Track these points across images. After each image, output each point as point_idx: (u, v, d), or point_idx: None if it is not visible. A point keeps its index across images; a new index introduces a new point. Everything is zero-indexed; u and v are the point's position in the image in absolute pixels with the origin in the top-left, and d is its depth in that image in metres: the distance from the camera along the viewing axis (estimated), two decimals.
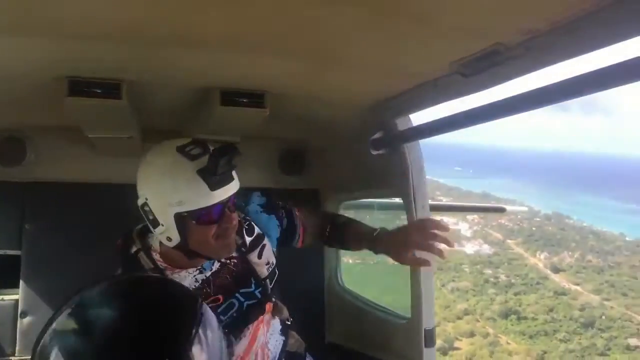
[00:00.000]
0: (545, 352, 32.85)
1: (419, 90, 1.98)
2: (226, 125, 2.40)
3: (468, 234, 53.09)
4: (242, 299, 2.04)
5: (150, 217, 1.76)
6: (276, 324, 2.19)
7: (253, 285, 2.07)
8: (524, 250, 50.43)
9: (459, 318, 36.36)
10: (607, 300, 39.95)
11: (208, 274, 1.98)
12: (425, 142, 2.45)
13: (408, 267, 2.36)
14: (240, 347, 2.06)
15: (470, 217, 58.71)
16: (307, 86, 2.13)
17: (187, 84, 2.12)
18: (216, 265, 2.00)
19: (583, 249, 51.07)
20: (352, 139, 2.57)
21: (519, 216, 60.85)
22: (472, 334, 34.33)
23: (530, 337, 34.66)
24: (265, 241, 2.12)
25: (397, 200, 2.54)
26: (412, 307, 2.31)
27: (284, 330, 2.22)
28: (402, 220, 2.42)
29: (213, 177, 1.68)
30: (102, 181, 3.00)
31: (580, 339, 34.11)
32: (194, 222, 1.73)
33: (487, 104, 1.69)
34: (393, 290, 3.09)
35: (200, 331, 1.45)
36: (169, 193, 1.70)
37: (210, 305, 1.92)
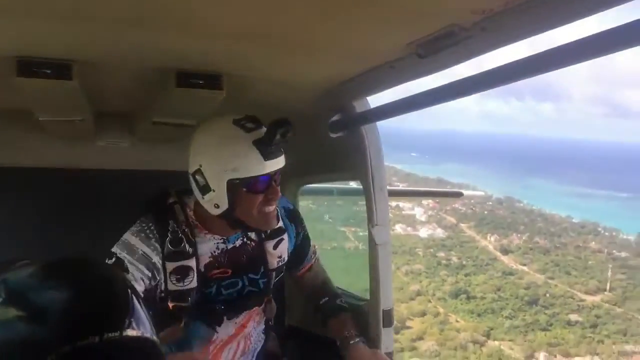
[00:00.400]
0: (491, 329, 34.36)
1: (376, 72, 1.99)
2: (182, 107, 2.36)
3: (423, 218, 54.39)
4: (246, 283, 2.11)
5: (202, 184, 1.86)
6: (262, 321, 2.27)
7: (260, 274, 2.15)
8: (476, 233, 52.16)
9: (412, 299, 37.46)
10: (551, 279, 42.00)
11: (230, 246, 2.07)
12: (382, 129, 2.48)
13: (366, 252, 2.40)
14: (227, 331, 2.12)
15: (426, 202, 60.11)
16: (264, 69, 2.12)
17: (142, 65, 2.05)
18: (239, 241, 2.09)
19: (531, 231, 53.31)
20: (310, 122, 2.57)
21: (472, 200, 63.04)
22: (423, 314, 35.55)
23: (478, 315, 36.14)
24: (285, 236, 2.20)
25: (356, 186, 2.56)
26: (371, 289, 2.35)
27: (267, 330, 2.31)
28: (359, 206, 2.45)
29: (268, 148, 1.80)
30: (54, 166, 2.92)
31: (524, 316, 35.83)
32: (244, 189, 1.84)
33: (444, 84, 1.71)
34: (351, 274, 3.12)
35: (132, 321, 1.35)
36: (225, 160, 1.81)
37: (217, 274, 2.03)
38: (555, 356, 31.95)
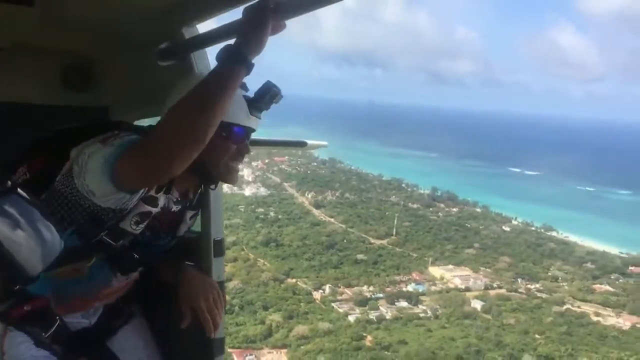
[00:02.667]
0: (291, 269, 40.14)
1: None
2: None
3: (250, 178, 58.88)
4: (162, 243, 2.06)
5: None
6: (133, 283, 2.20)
7: (170, 239, 2.09)
8: (296, 191, 58.17)
9: (227, 249, 41.54)
10: (351, 228, 49.30)
11: (171, 204, 1.98)
12: None
13: None
14: (119, 282, 2.05)
15: (255, 163, 64.70)
16: None
17: None
18: (177, 206, 2.01)
19: (345, 188, 60.79)
20: (139, 51, 2.39)
21: (298, 160, 69.00)
22: (235, 260, 40.07)
23: (283, 258, 41.74)
24: (199, 213, 2.19)
25: None
26: (202, 221, 2.31)
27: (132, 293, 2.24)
28: None
29: (255, 104, 1.82)
30: None
31: (321, 258, 42.20)
32: (223, 134, 1.78)
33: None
34: None
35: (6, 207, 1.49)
36: None
37: (155, 227, 1.93)
38: (340, 287, 38.69)
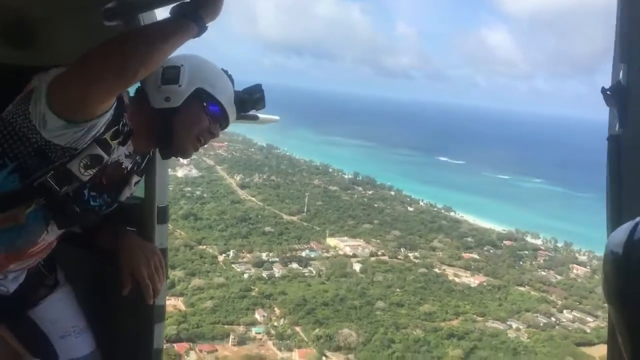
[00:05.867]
0: (203, 238, 46.63)
1: None
2: None
3: (185, 161, 64.40)
4: (101, 204, 1.96)
5: (170, 77, 1.81)
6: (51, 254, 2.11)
7: (110, 199, 2.00)
8: (226, 174, 64.28)
9: None
10: (269, 205, 55.71)
11: (123, 160, 1.94)
12: None
13: None
14: (49, 238, 1.92)
15: None
16: None
17: None
18: (128, 162, 1.98)
19: (274, 172, 67.19)
20: (83, 10, 2.25)
21: (237, 146, 75.04)
22: None
23: (199, 229, 47.96)
24: (141, 180, 2.17)
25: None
26: (146, 187, 2.29)
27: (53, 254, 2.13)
28: None
29: (242, 99, 1.95)
30: None
31: (232, 230, 48.64)
32: (204, 104, 1.85)
33: None
34: None
35: None
36: (209, 74, 1.89)
37: (100, 178, 1.87)
38: (243, 252, 45.47)
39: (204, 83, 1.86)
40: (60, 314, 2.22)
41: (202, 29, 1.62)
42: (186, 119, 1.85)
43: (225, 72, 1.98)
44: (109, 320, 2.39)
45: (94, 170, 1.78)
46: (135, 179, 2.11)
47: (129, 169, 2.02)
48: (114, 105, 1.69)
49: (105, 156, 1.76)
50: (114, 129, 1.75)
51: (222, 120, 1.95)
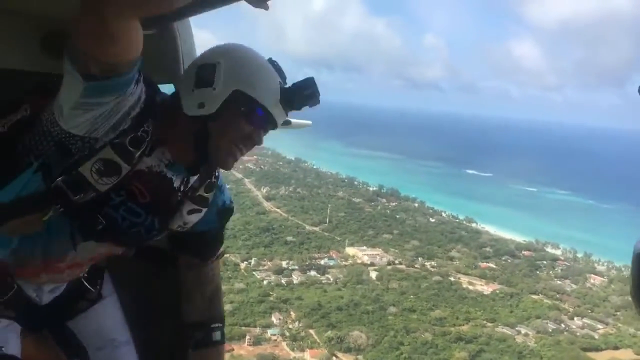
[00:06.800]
0: (228, 247, 48.96)
1: None
2: None
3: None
4: (147, 221, 1.81)
5: (204, 78, 1.62)
6: (100, 265, 2.10)
7: (159, 226, 1.86)
8: (253, 186, 67.07)
9: None
10: (293, 216, 58.18)
11: (169, 174, 1.79)
12: None
13: None
14: (82, 254, 1.84)
15: None
16: None
17: None
18: (178, 179, 1.83)
19: (300, 184, 69.56)
20: None
21: (265, 160, 77.83)
22: None
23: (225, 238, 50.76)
24: (204, 211, 2.00)
25: None
26: None
27: (97, 271, 2.13)
28: None
29: (289, 96, 1.66)
30: None
31: (255, 239, 51.11)
32: (242, 108, 1.63)
33: None
34: None
35: None
36: (249, 72, 1.64)
37: (136, 190, 1.72)
38: (264, 260, 47.95)
39: (242, 84, 1.62)
40: (99, 327, 2.18)
41: None
42: (223, 126, 1.64)
43: (273, 62, 1.73)
44: (147, 336, 2.33)
45: (112, 180, 1.61)
46: (189, 206, 1.92)
47: (178, 186, 1.84)
48: (139, 83, 1.52)
49: (124, 164, 1.60)
50: (132, 135, 1.58)
51: (265, 125, 1.71)
